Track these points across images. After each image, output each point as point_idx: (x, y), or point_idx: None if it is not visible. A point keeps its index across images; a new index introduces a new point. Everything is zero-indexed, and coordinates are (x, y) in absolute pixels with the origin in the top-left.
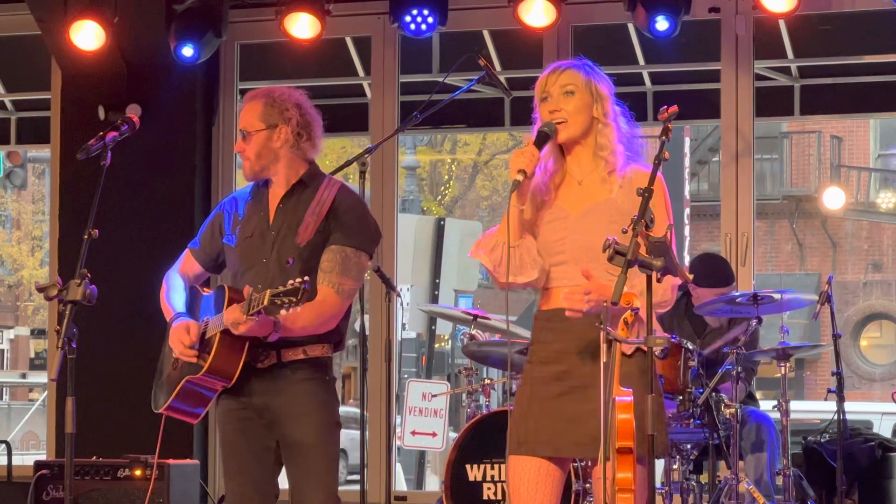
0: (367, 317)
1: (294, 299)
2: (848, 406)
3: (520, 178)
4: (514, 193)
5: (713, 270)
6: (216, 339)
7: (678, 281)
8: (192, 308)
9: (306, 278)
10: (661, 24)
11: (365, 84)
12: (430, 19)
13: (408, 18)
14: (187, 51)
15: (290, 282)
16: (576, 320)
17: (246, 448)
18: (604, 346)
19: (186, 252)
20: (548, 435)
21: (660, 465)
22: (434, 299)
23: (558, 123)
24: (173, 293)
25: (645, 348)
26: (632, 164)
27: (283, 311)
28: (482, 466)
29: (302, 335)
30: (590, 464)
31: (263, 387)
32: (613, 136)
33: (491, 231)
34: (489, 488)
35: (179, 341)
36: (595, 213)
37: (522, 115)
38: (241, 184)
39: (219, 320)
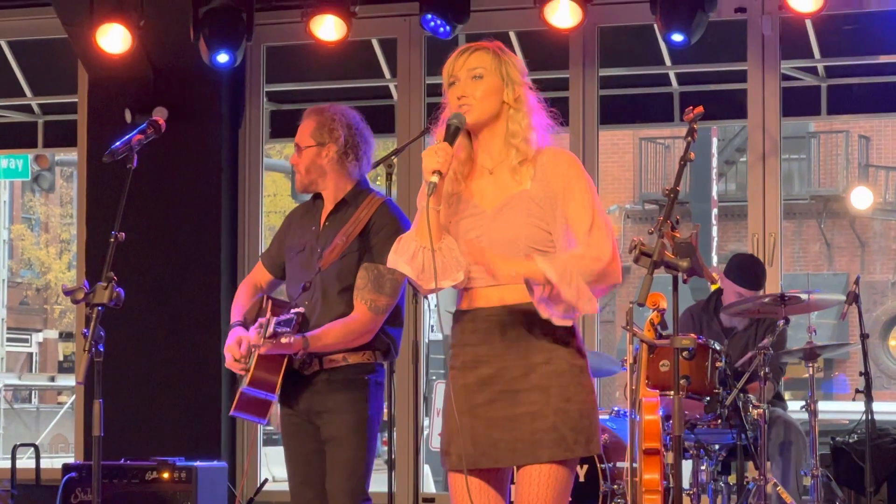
0: None
1: (288, 329)
2: (876, 406)
3: (435, 179)
4: (431, 196)
5: (748, 272)
6: (255, 354)
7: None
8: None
9: (301, 310)
10: (676, 36)
11: (391, 86)
12: (447, 27)
13: (432, 24)
14: (222, 57)
15: (291, 313)
16: (499, 320)
17: (298, 452)
18: (630, 347)
19: (258, 262)
20: (485, 446)
21: (687, 465)
22: None
23: (463, 108)
24: (235, 305)
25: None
26: (543, 150)
27: (283, 339)
28: None
29: (334, 350)
30: (516, 470)
31: (308, 392)
32: (525, 122)
33: (405, 236)
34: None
35: (229, 353)
36: (511, 207)
37: None
38: (269, 187)
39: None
